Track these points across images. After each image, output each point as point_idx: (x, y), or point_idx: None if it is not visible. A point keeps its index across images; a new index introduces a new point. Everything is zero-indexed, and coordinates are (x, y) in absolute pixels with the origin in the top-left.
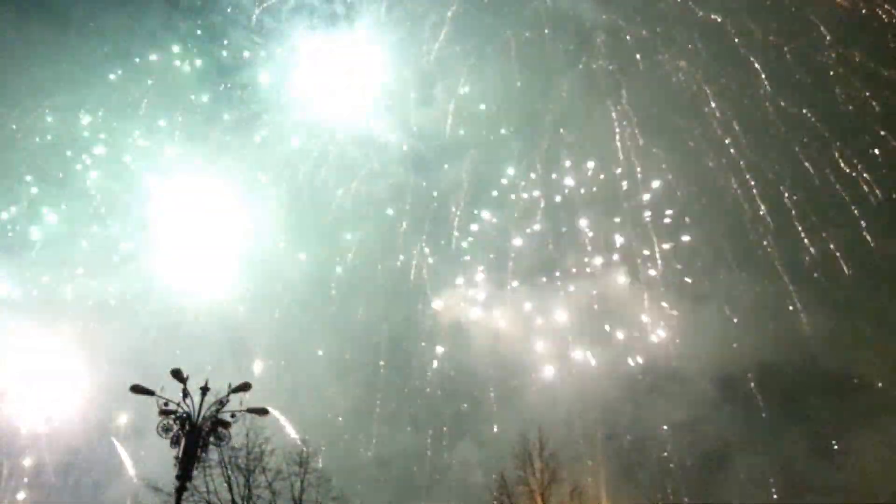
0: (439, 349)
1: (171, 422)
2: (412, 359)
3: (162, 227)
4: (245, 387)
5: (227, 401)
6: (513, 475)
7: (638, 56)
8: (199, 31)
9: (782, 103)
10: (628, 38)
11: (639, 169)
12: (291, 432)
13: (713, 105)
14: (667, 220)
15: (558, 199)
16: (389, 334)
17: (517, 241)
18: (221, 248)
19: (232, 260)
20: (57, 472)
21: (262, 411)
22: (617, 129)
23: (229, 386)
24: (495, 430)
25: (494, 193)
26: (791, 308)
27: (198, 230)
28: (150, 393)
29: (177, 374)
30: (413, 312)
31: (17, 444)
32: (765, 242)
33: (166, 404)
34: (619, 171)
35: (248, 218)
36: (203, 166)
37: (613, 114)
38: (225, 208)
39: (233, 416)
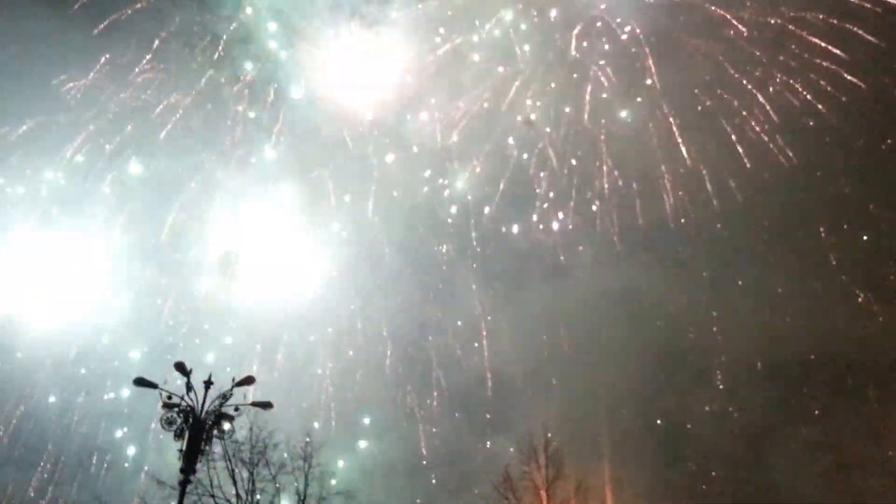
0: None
1: (175, 415)
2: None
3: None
4: (249, 380)
5: (231, 394)
6: (517, 471)
7: None
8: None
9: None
10: None
11: (684, 151)
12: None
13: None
14: (709, 202)
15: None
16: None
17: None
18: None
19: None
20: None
21: (267, 405)
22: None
23: (233, 380)
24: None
25: None
26: (841, 295)
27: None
28: (153, 386)
29: (180, 367)
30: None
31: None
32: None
33: (170, 397)
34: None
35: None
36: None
37: None
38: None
39: (236, 409)
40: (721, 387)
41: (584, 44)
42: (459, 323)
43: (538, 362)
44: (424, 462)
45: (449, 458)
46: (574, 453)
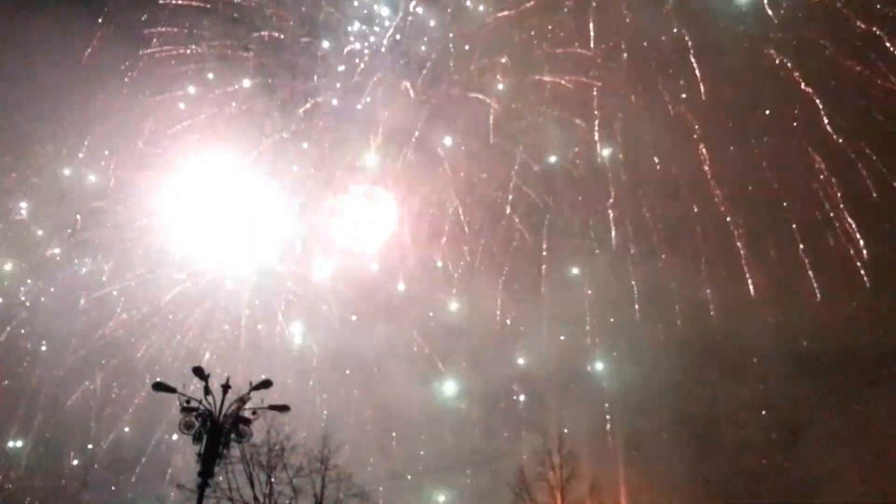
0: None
1: (193, 419)
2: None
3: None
4: (266, 384)
5: (249, 398)
6: (532, 472)
7: None
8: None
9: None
10: None
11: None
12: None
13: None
14: (736, 197)
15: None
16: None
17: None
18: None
19: None
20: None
21: (284, 408)
22: None
23: (250, 383)
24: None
25: None
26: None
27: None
28: (171, 390)
29: (198, 372)
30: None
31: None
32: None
33: (188, 402)
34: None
35: None
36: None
37: None
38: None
39: (254, 412)
40: (752, 381)
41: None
42: (480, 323)
43: (561, 362)
44: (446, 464)
45: (468, 461)
46: (595, 453)
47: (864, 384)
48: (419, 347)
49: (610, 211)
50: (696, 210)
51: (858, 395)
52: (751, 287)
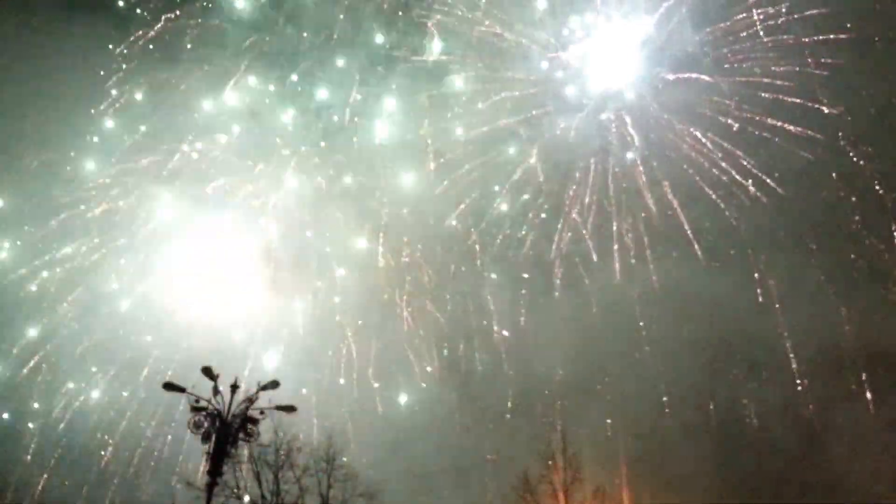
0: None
1: (202, 418)
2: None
3: None
4: (273, 384)
5: (257, 398)
6: (536, 474)
7: None
8: None
9: None
10: None
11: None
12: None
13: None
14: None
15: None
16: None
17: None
18: None
19: None
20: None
21: (290, 408)
22: None
23: (258, 384)
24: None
25: None
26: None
27: None
28: (181, 390)
29: (207, 372)
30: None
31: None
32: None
33: (197, 401)
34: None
35: None
36: None
37: None
38: None
39: (261, 412)
40: (773, 381)
41: None
42: (486, 323)
43: (574, 366)
44: (451, 465)
45: (471, 462)
46: (604, 455)
47: (889, 384)
48: (426, 350)
49: (625, 208)
50: (708, 212)
51: (883, 395)
52: (771, 289)
